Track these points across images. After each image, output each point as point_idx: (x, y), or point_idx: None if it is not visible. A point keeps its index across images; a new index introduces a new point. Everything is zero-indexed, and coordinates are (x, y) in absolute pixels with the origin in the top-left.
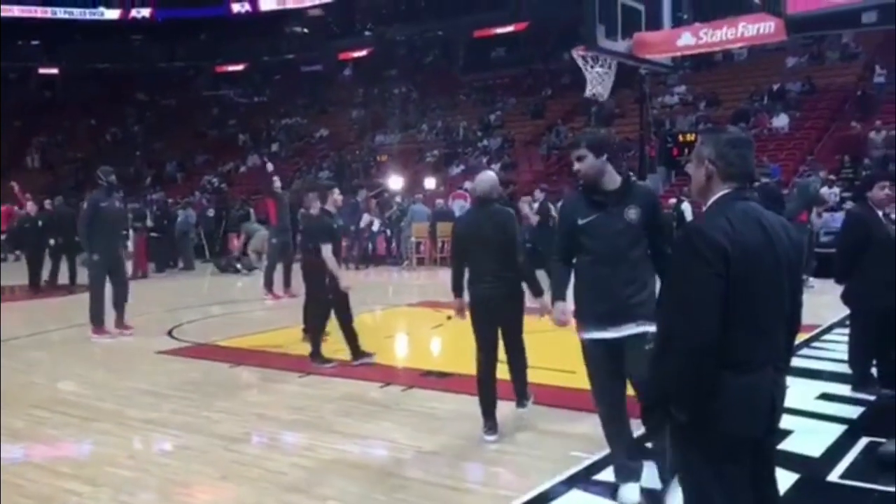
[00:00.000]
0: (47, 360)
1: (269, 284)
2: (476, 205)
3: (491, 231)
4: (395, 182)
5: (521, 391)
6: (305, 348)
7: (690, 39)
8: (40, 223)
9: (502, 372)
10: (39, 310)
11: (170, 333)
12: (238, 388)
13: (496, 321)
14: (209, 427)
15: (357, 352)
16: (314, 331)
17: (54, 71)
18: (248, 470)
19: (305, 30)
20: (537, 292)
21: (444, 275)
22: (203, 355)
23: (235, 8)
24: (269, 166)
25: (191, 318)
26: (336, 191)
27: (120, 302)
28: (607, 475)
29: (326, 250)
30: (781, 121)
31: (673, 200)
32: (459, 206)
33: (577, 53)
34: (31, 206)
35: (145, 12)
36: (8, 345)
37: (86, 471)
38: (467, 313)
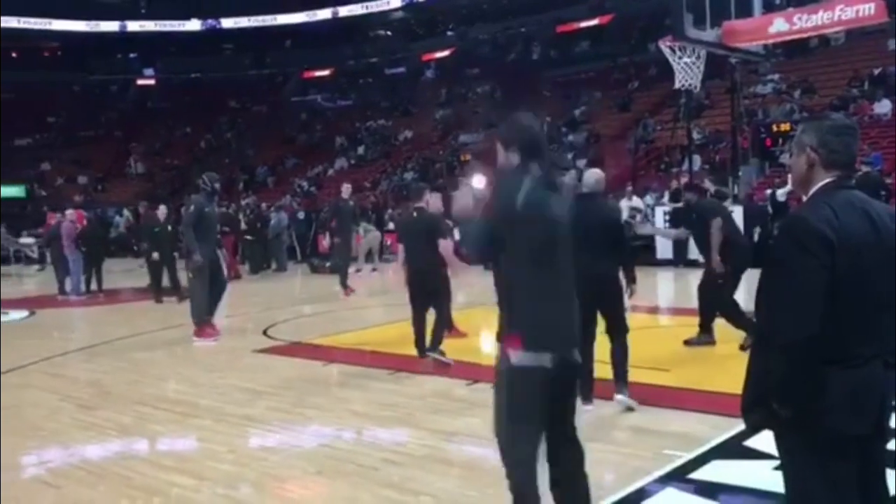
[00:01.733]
0: (151, 360)
1: (344, 283)
2: (582, 198)
3: (595, 222)
4: (478, 181)
5: (622, 377)
6: (394, 346)
7: (784, 25)
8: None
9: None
10: (142, 311)
11: (265, 332)
12: (331, 386)
13: (596, 306)
14: (304, 423)
15: (436, 345)
16: (446, 324)
17: (151, 82)
18: (341, 465)
19: (388, 33)
20: (632, 279)
21: None
22: (297, 354)
23: (320, 14)
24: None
25: (284, 318)
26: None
27: (215, 303)
28: (702, 474)
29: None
30: (883, 107)
31: (769, 191)
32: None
33: (665, 44)
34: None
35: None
36: (115, 345)
37: (188, 465)
38: None
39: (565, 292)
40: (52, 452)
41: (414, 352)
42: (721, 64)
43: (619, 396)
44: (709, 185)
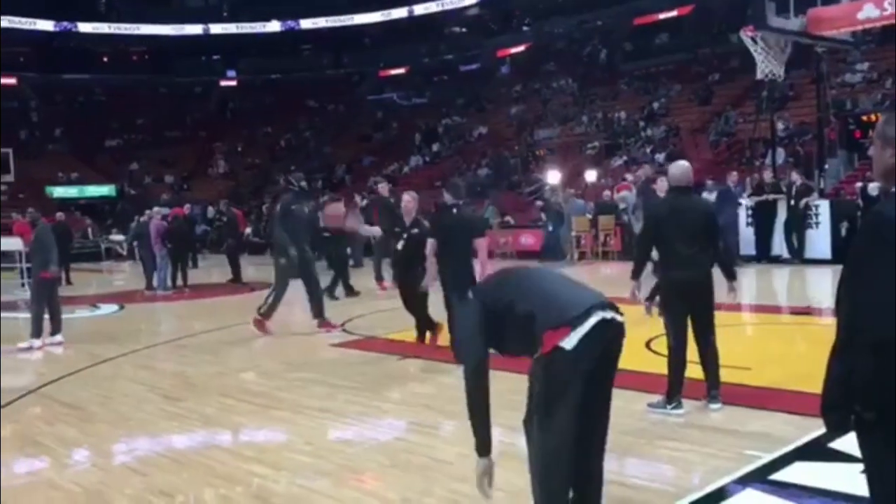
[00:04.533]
0: (233, 352)
1: (378, 277)
2: (675, 192)
3: (691, 216)
4: (552, 177)
5: (713, 381)
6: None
7: (874, 11)
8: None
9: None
10: (224, 306)
11: (342, 327)
12: (405, 380)
13: (689, 305)
14: (379, 416)
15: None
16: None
17: (234, 83)
18: (416, 458)
19: (463, 29)
20: (732, 276)
21: (606, 269)
22: (373, 348)
23: (396, 13)
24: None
25: (361, 313)
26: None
27: (318, 297)
28: (784, 475)
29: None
30: None
31: (859, 184)
32: (622, 197)
33: (746, 34)
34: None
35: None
36: (199, 338)
37: (267, 455)
38: (641, 301)
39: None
40: (140, 441)
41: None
42: (806, 53)
43: (713, 405)
44: (795, 178)
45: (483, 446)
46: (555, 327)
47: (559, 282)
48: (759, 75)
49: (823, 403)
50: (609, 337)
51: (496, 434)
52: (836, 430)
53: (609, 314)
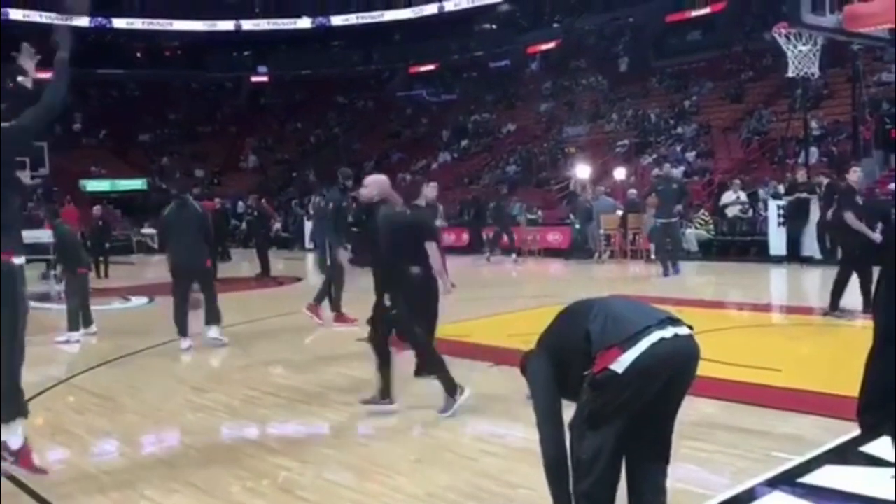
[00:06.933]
0: (260, 346)
1: None
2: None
3: None
4: (582, 171)
5: None
6: (494, 338)
7: None
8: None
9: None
10: (254, 300)
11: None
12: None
13: None
14: (406, 412)
15: None
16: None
17: (264, 79)
18: (440, 454)
19: (494, 26)
20: None
21: (635, 267)
22: (399, 343)
23: (427, 10)
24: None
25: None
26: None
27: (341, 290)
28: (814, 478)
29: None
30: None
31: (893, 185)
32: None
33: (779, 32)
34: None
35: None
36: (228, 331)
37: (293, 448)
38: None
39: None
40: (167, 432)
41: (515, 345)
42: (842, 51)
43: None
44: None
45: None
46: (607, 348)
47: (619, 304)
48: (790, 73)
49: (860, 405)
50: (670, 353)
51: (519, 430)
52: (870, 433)
53: (671, 332)
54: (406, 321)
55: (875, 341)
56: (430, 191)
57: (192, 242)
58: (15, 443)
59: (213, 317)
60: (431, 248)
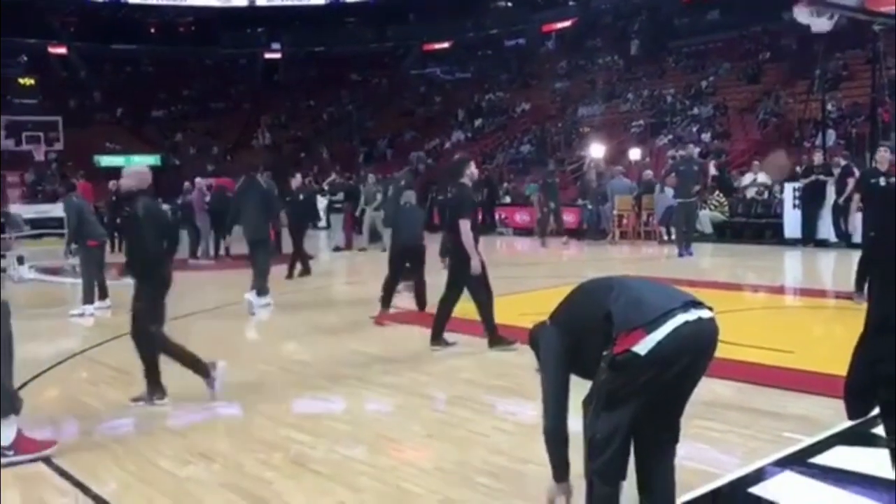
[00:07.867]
0: (273, 322)
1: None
2: None
3: None
4: (596, 150)
5: None
6: (507, 317)
7: None
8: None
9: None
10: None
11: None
12: (445, 354)
13: None
14: (419, 388)
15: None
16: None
17: (278, 55)
18: (453, 430)
19: (509, 4)
20: None
21: (648, 249)
22: (413, 322)
23: None
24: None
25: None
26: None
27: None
28: (824, 459)
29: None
30: None
31: None
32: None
33: (800, 9)
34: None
35: None
36: (240, 307)
37: (306, 423)
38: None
39: None
40: (181, 404)
41: (527, 323)
42: (862, 31)
43: None
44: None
45: (558, 472)
46: (629, 330)
47: (640, 285)
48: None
49: (847, 388)
50: (694, 336)
51: (530, 408)
52: (856, 417)
53: (694, 314)
54: (145, 317)
55: (865, 327)
56: (474, 170)
57: (256, 216)
58: (8, 439)
59: (257, 283)
60: (464, 225)
